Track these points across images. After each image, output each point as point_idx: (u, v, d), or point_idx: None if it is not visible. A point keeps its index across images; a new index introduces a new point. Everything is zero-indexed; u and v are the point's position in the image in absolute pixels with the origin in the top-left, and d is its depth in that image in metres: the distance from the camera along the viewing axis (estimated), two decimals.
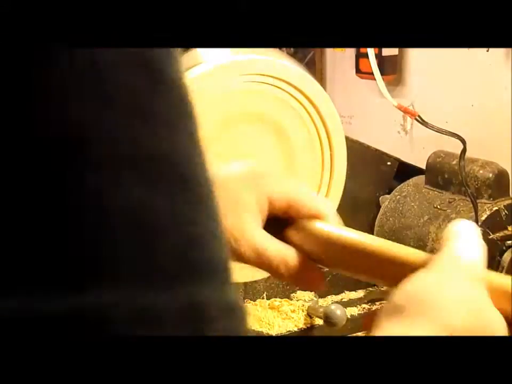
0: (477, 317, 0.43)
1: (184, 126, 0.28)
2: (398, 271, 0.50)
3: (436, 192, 1.35)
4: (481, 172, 1.28)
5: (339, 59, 2.04)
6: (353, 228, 0.58)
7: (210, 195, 0.29)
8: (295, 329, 1.12)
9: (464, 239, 0.47)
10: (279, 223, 0.60)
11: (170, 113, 0.28)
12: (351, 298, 1.32)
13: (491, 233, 1.21)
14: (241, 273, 1.14)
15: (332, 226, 0.58)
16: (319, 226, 0.58)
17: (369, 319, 0.51)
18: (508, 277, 0.47)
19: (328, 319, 1.06)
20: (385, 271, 0.52)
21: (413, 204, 1.36)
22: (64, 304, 0.24)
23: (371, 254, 0.53)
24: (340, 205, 1.22)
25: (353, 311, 1.24)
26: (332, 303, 1.20)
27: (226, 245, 0.29)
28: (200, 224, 0.28)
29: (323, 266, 0.59)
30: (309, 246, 0.58)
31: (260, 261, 0.58)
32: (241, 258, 0.58)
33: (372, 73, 1.53)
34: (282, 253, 0.58)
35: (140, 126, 0.26)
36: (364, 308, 1.25)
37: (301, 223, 0.59)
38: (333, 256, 0.57)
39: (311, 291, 1.25)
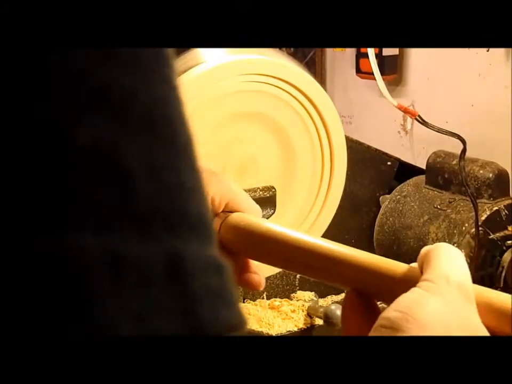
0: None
1: (161, 73, 0.27)
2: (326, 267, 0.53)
3: (436, 192, 1.35)
4: (481, 171, 1.28)
5: (339, 59, 2.04)
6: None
7: (190, 145, 0.28)
8: (295, 329, 1.12)
9: (453, 260, 0.47)
10: None
11: (148, 58, 0.27)
12: None
13: (491, 233, 1.21)
14: None
15: (263, 220, 0.61)
16: (253, 218, 0.61)
17: (348, 314, 0.51)
18: (494, 292, 0.47)
19: (328, 319, 1.06)
20: (314, 265, 0.55)
21: (413, 203, 1.36)
22: (35, 247, 0.23)
23: (301, 247, 0.55)
24: (340, 205, 1.22)
25: None
26: (332, 303, 1.20)
27: (207, 200, 0.28)
28: (178, 172, 0.27)
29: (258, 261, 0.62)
30: (243, 239, 0.61)
31: None
32: None
33: (372, 73, 1.53)
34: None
35: (112, 65, 0.25)
36: None
37: (234, 217, 0.62)
38: (265, 248, 0.59)
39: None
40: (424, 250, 0.48)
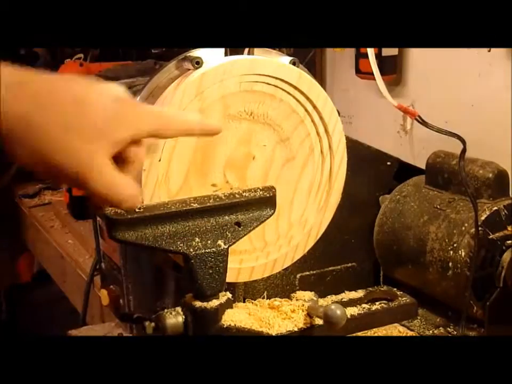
0: None
1: None
2: None
3: (435, 192, 1.35)
4: (481, 171, 1.28)
5: (339, 59, 2.04)
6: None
7: None
8: (295, 329, 1.12)
9: None
10: None
11: None
12: (351, 298, 1.32)
13: (491, 233, 1.21)
14: (241, 273, 1.15)
15: None
16: None
17: None
18: None
19: (328, 319, 1.06)
20: None
21: (412, 203, 1.36)
22: None
23: None
24: (339, 205, 1.22)
25: (353, 311, 1.24)
26: (332, 303, 1.20)
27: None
28: None
29: None
30: None
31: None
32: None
33: (372, 74, 1.53)
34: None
35: None
36: (364, 307, 1.25)
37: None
38: None
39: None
40: None
